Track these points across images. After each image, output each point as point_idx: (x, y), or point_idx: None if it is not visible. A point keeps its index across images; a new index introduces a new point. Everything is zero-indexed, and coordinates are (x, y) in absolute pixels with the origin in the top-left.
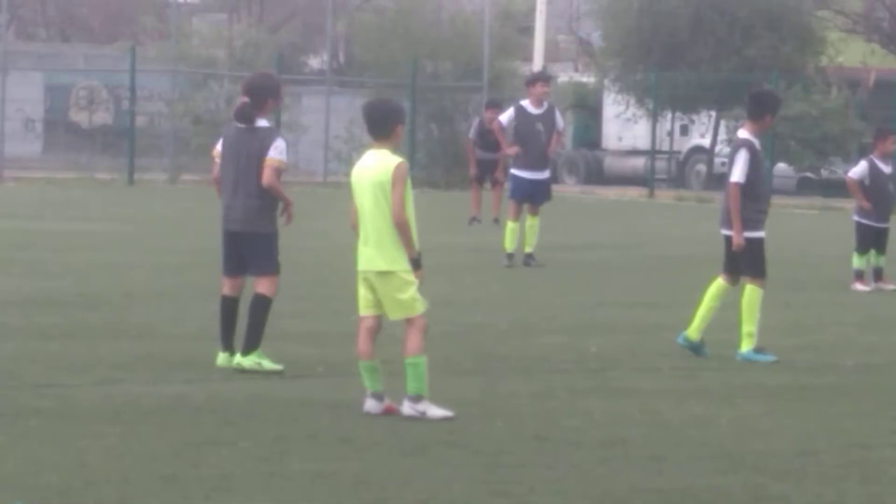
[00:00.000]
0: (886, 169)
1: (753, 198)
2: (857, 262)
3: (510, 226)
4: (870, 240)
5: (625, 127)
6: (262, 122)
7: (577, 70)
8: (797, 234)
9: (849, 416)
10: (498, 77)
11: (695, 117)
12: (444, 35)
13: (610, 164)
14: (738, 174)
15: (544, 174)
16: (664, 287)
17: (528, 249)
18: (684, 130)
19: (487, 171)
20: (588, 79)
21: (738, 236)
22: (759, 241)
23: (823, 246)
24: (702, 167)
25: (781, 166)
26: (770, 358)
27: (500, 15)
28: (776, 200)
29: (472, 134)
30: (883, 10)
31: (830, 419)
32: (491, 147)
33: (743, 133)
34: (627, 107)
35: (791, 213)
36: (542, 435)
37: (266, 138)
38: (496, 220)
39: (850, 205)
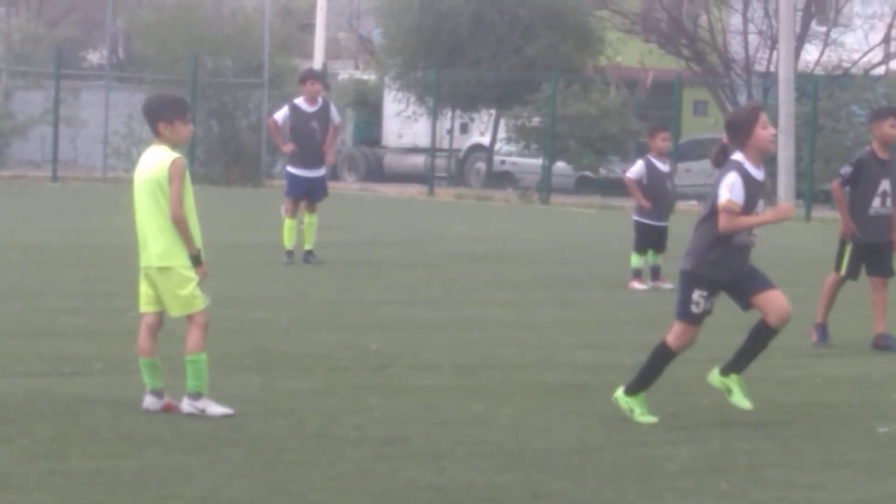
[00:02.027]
0: (664, 167)
1: None
2: (635, 260)
3: (288, 223)
4: (648, 239)
5: (405, 124)
6: (736, 156)
7: (357, 67)
8: (576, 233)
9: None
10: (279, 74)
11: (475, 115)
12: (225, 31)
13: (390, 161)
14: None
15: (320, 171)
16: (444, 285)
17: (307, 247)
18: (464, 128)
19: None
20: (369, 76)
21: None
22: None
23: (602, 244)
24: (481, 165)
25: (560, 165)
26: None
27: (280, 12)
28: (555, 199)
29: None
30: (660, 10)
31: (608, 417)
32: None
33: None
34: (408, 104)
35: (570, 212)
36: (322, 433)
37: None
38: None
39: (628, 203)
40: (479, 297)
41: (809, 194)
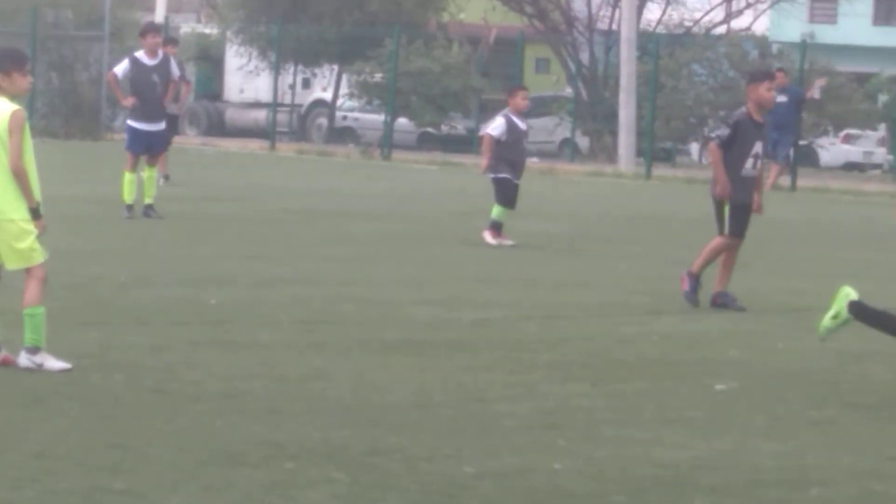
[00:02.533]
0: (522, 126)
1: None
2: (496, 212)
3: (128, 177)
4: (510, 193)
5: (247, 79)
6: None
7: (199, 21)
8: (417, 189)
9: (465, 370)
10: (120, 27)
11: (317, 71)
12: None
13: (232, 116)
14: None
15: (160, 125)
16: (284, 240)
17: (147, 201)
18: (306, 84)
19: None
20: (211, 30)
21: None
22: None
23: (442, 201)
24: (323, 121)
25: (402, 121)
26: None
27: None
28: (396, 155)
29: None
30: None
31: (447, 373)
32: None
33: None
34: (250, 59)
35: (411, 168)
36: (160, 388)
37: None
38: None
39: (469, 160)
40: (319, 252)
41: (650, 152)
